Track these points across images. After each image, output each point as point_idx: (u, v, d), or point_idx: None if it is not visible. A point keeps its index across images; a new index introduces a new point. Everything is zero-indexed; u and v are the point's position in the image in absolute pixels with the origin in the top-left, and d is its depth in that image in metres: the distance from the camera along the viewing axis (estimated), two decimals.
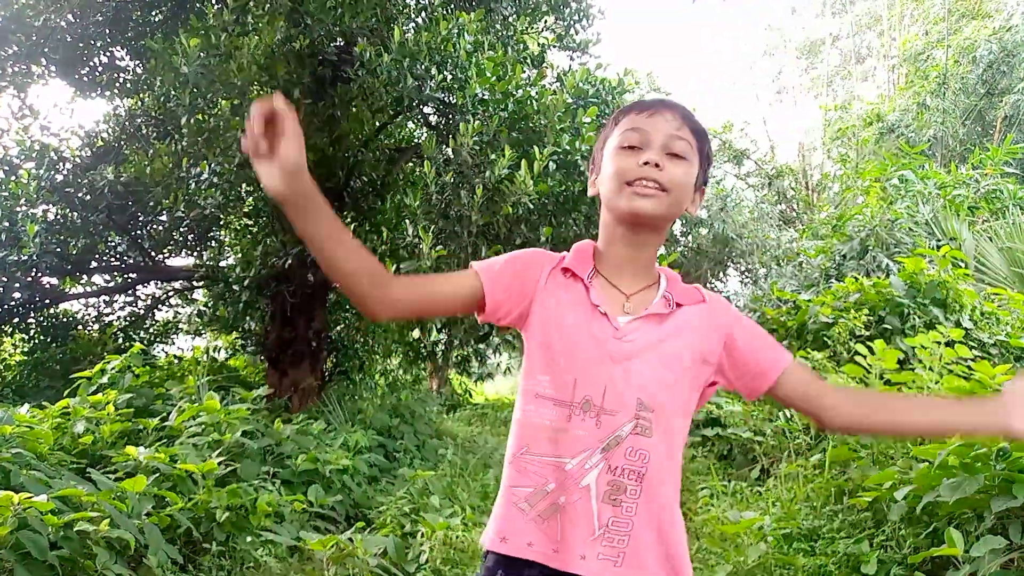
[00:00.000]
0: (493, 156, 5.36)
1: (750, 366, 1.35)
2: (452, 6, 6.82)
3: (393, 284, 1.27)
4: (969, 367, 4.07)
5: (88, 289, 8.61)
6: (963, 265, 6.15)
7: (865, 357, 4.30)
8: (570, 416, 1.27)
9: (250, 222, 7.34)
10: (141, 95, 7.56)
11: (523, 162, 5.21)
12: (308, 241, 1.18)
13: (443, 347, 10.35)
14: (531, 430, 1.30)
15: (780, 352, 1.36)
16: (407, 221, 5.38)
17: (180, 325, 9.68)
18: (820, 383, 1.37)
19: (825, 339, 5.45)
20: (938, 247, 6.43)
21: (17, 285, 7.15)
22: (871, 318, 5.46)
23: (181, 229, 8.44)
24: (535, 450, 1.29)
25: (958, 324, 5.23)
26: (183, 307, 9.81)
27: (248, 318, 7.28)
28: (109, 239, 8.08)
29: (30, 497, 2.81)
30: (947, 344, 4.24)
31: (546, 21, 7.74)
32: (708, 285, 10.83)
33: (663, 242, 1.43)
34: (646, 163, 1.30)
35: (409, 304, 1.30)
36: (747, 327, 1.38)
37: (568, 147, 5.64)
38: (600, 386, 1.27)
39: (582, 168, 5.78)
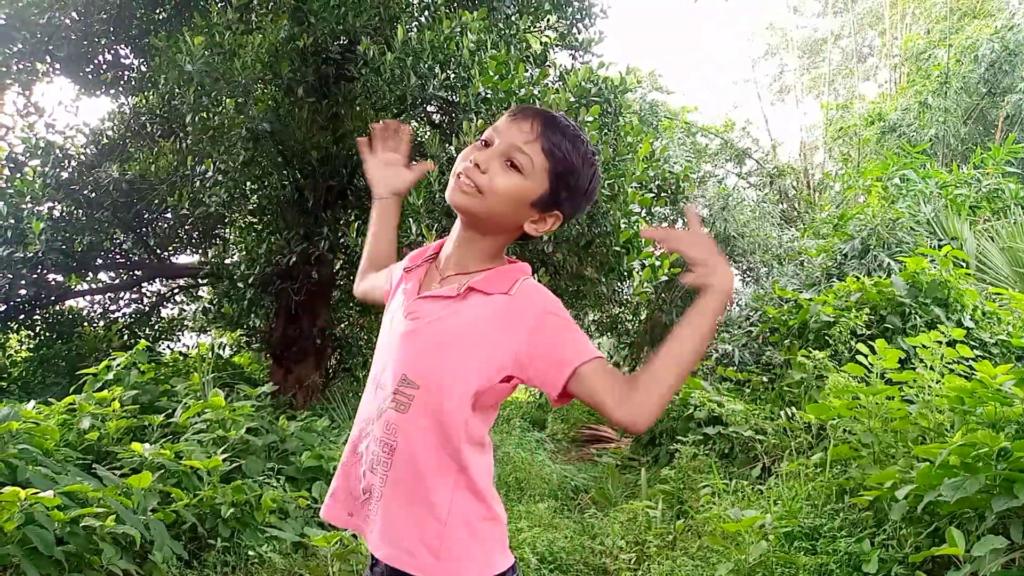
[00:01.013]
0: None
1: (538, 376, 1.27)
2: (455, 5, 6.83)
3: (361, 277, 1.72)
4: (970, 367, 4.08)
5: (94, 286, 8.64)
6: (964, 265, 6.16)
7: (866, 356, 4.32)
8: (369, 388, 1.41)
9: (255, 220, 7.36)
10: (146, 93, 7.58)
11: None
12: (372, 219, 1.76)
13: None
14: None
15: (561, 368, 1.24)
16: (410, 219, 5.39)
17: (185, 322, 9.71)
18: (611, 381, 1.23)
19: (826, 338, 5.46)
20: (939, 247, 6.44)
21: (23, 282, 7.18)
22: (872, 317, 5.47)
23: (186, 226, 8.48)
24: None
25: (959, 324, 5.25)
26: (188, 304, 9.85)
27: (253, 315, 7.30)
28: (114, 236, 8.12)
29: (36, 493, 2.84)
30: (948, 344, 4.25)
31: (549, 20, 7.74)
32: None
33: (496, 245, 1.39)
34: (472, 162, 1.32)
35: (362, 295, 1.71)
36: (546, 331, 1.27)
37: None
38: (383, 362, 1.38)
39: None
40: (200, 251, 9.04)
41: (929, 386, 3.91)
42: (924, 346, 4.23)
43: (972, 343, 4.94)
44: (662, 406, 1.24)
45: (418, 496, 1.28)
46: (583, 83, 6.33)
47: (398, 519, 1.29)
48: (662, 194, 6.71)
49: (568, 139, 1.32)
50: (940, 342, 4.21)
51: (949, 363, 4.18)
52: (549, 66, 7.49)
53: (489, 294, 1.31)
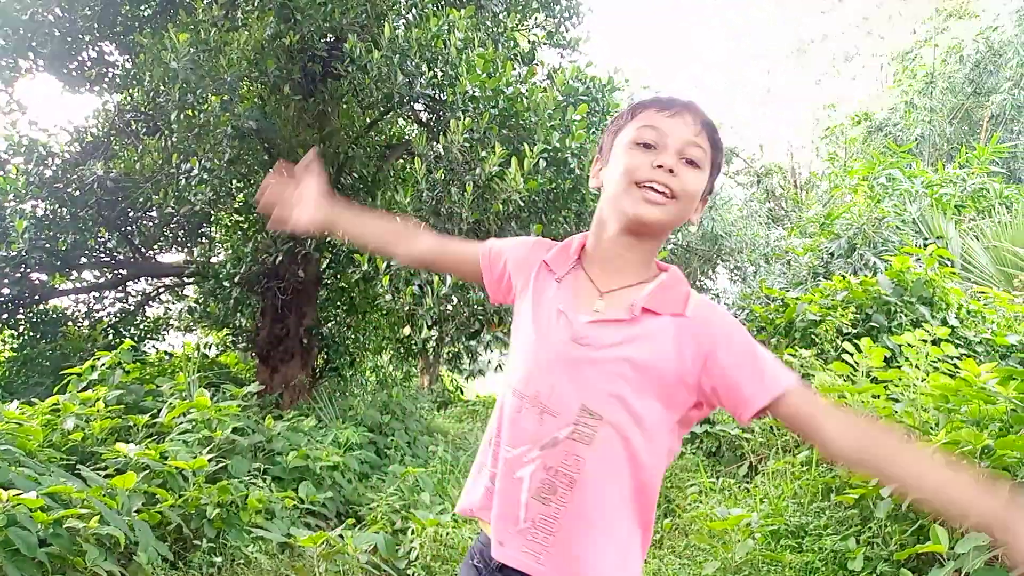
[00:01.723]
0: (484, 153, 5.37)
1: (732, 395, 1.23)
2: (442, 3, 6.81)
3: (413, 243, 1.57)
4: (955, 365, 4.11)
5: (78, 285, 8.56)
6: (949, 264, 6.19)
7: (852, 355, 4.34)
8: (521, 408, 1.28)
9: (240, 218, 7.32)
10: (130, 90, 7.52)
11: (513, 159, 5.22)
12: (352, 239, 1.62)
13: (434, 344, 10.34)
14: (498, 415, 1.34)
15: (764, 384, 1.21)
16: (398, 218, 5.37)
17: (170, 321, 9.65)
18: (814, 413, 1.19)
19: (813, 337, 5.48)
20: (925, 245, 6.48)
21: (6, 281, 7.10)
22: (858, 316, 5.50)
23: (171, 225, 8.42)
24: (493, 435, 1.34)
25: (944, 322, 5.28)
26: (173, 303, 9.79)
27: (239, 314, 7.27)
28: (99, 235, 8.05)
29: (19, 494, 2.81)
30: (933, 342, 4.27)
31: (536, 18, 7.74)
32: (697, 283, 10.87)
33: (657, 249, 1.36)
34: (660, 166, 1.25)
35: (425, 261, 1.57)
36: (735, 350, 1.24)
37: (558, 144, 5.65)
38: (548, 385, 1.26)
39: (572, 165, 5.80)
40: (185, 250, 8.98)
41: (914, 384, 3.93)
42: (909, 344, 4.25)
43: (957, 341, 4.97)
44: (858, 465, 1.19)
45: (600, 529, 1.23)
46: (571, 82, 6.34)
47: (576, 553, 1.23)
48: None
49: (713, 124, 1.32)
50: (925, 340, 4.23)
51: (934, 361, 4.20)
52: (537, 64, 7.49)
53: (661, 315, 1.26)
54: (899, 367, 4.17)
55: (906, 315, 5.36)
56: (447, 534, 3.83)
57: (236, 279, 6.62)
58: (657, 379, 1.23)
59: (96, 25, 7.46)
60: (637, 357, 1.23)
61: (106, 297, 9.05)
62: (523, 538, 1.24)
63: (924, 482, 1.12)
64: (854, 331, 5.32)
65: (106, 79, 7.89)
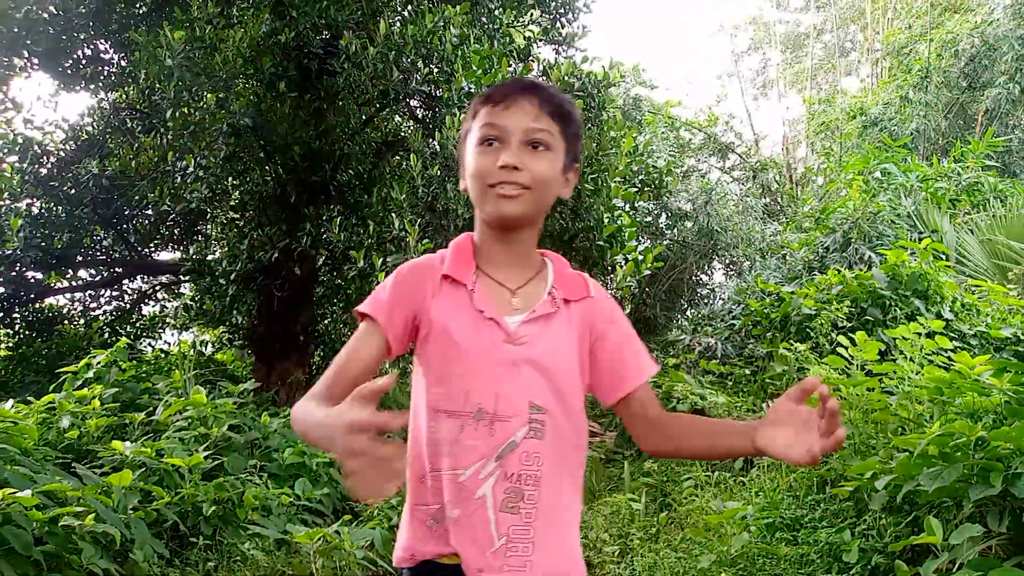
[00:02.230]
0: None
1: (616, 370, 1.32)
2: None
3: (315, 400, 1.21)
4: (949, 358, 4.12)
5: (73, 283, 8.56)
6: (944, 257, 6.22)
7: (847, 348, 4.35)
8: (462, 427, 1.23)
9: (236, 216, 7.31)
10: (125, 88, 7.52)
11: None
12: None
13: None
14: (431, 446, 1.25)
15: (641, 367, 1.34)
16: (394, 214, 5.37)
17: (166, 319, 9.64)
18: (657, 408, 1.35)
19: (808, 331, 5.50)
20: (920, 239, 6.49)
21: (1, 280, 7.10)
22: (853, 310, 5.51)
23: (167, 223, 8.42)
24: (436, 465, 1.24)
25: (939, 315, 5.29)
26: (169, 301, 9.77)
27: (235, 312, 7.26)
28: (94, 233, 8.04)
29: (14, 492, 2.81)
30: (928, 335, 4.29)
31: (532, 14, 7.74)
32: (693, 278, 10.88)
33: (537, 234, 1.38)
34: (503, 166, 1.24)
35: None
36: (623, 329, 1.35)
37: None
38: (492, 393, 1.23)
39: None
40: (181, 247, 8.97)
41: (909, 377, 3.94)
42: (904, 338, 4.27)
43: (951, 334, 4.98)
44: (660, 455, 1.45)
45: (564, 519, 1.28)
46: (566, 78, 6.33)
47: (553, 548, 1.25)
48: (645, 188, 6.73)
49: (557, 95, 1.32)
50: (920, 334, 4.24)
51: (928, 354, 4.21)
52: (532, 60, 7.49)
53: (574, 300, 1.32)
54: (894, 360, 4.19)
55: (901, 309, 5.38)
56: None
57: (232, 276, 6.61)
58: (579, 361, 1.31)
59: (91, 23, 7.45)
60: (567, 345, 1.30)
61: (102, 295, 9.04)
62: (503, 557, 1.21)
63: (699, 440, 1.30)
64: (849, 325, 5.33)
65: (101, 77, 7.87)
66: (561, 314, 1.30)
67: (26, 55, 7.50)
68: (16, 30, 7.16)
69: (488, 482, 1.21)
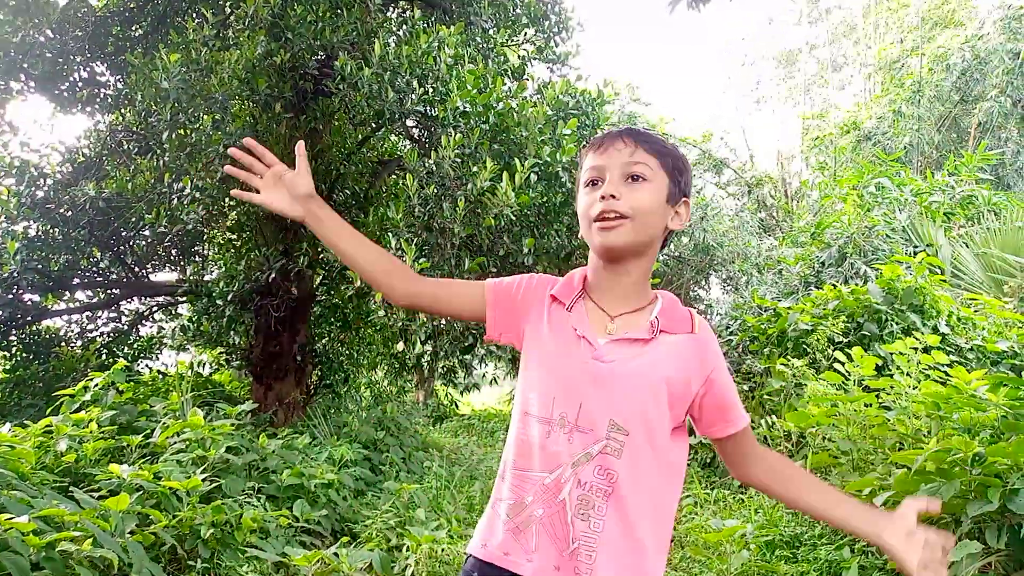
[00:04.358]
0: (475, 168, 5.40)
1: (719, 412, 1.39)
2: (432, 20, 6.86)
3: (414, 281, 1.50)
4: (946, 373, 4.13)
5: (71, 305, 8.54)
6: (939, 271, 6.24)
7: (843, 364, 4.36)
8: (549, 432, 1.33)
9: (233, 236, 7.32)
10: (122, 110, 7.55)
11: (505, 174, 5.25)
12: (331, 248, 1.52)
13: (428, 359, 10.34)
14: (519, 446, 1.37)
15: (742, 410, 1.42)
16: (390, 234, 5.38)
17: (164, 340, 9.62)
18: (756, 448, 1.44)
19: (804, 346, 5.51)
20: (915, 253, 6.52)
21: None
22: (849, 325, 5.53)
23: (164, 244, 8.42)
24: (520, 465, 1.36)
25: (935, 330, 5.31)
26: (167, 322, 9.75)
27: (232, 332, 7.25)
28: (91, 255, 8.04)
29: (11, 518, 2.79)
30: (924, 350, 4.30)
31: (526, 34, 7.79)
32: (690, 293, 10.90)
33: (651, 263, 1.45)
34: (602, 197, 1.34)
35: (424, 299, 1.51)
36: (724, 372, 1.41)
37: (549, 159, 5.68)
38: (575, 404, 1.32)
39: (563, 179, 5.83)
40: (178, 268, 8.97)
41: (906, 392, 3.95)
42: (900, 353, 4.28)
43: (948, 349, 5.00)
44: (763, 491, 1.49)
45: (637, 541, 1.30)
46: (561, 96, 6.38)
47: (619, 563, 1.29)
48: None
49: (654, 135, 1.42)
50: (916, 348, 4.25)
51: (925, 369, 4.22)
52: (527, 79, 7.54)
53: (675, 333, 1.37)
54: (890, 375, 4.20)
55: (897, 323, 5.39)
56: (442, 550, 3.82)
57: (229, 297, 6.61)
58: (673, 392, 1.34)
59: (87, 46, 7.49)
60: (658, 372, 1.33)
61: (99, 317, 9.03)
62: (575, 559, 1.28)
63: (832, 515, 1.37)
64: (845, 340, 5.34)
65: (98, 100, 7.90)
66: (658, 343, 1.35)
67: (23, 78, 7.53)
68: (13, 53, 7.19)
69: (566, 487, 1.30)
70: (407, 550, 3.90)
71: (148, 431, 4.62)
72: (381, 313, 5.42)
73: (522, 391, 1.41)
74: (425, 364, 10.70)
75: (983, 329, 5.57)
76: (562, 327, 1.39)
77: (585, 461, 1.30)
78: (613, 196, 1.34)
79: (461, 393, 13.46)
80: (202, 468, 4.14)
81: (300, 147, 1.54)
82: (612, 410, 1.31)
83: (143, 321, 9.48)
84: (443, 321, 6.07)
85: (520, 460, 1.36)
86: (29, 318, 7.94)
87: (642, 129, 1.42)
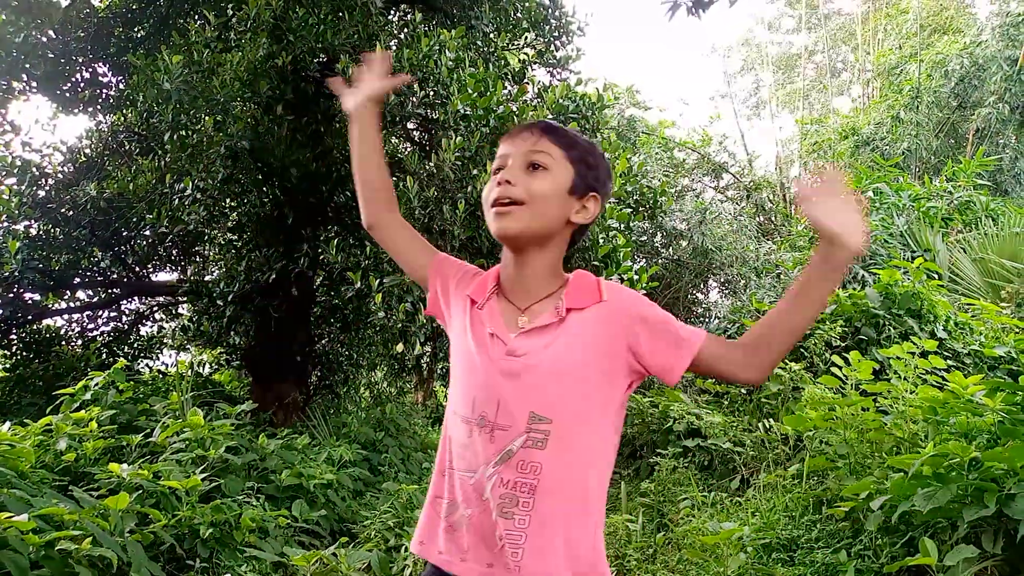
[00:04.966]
0: (475, 171, 5.42)
1: (659, 362, 1.34)
2: (433, 23, 6.89)
3: (391, 216, 1.59)
4: (943, 377, 4.15)
5: (71, 305, 8.56)
6: (937, 276, 6.26)
7: (841, 368, 4.38)
8: (471, 432, 1.33)
9: (234, 237, 7.34)
10: (124, 111, 7.56)
11: None
12: (351, 142, 1.61)
13: (428, 359, 10.36)
14: (448, 444, 1.38)
15: (683, 347, 1.34)
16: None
17: (164, 340, 9.63)
18: (728, 351, 1.35)
19: (802, 350, 5.53)
20: (912, 258, 6.55)
21: None
22: (847, 329, 5.55)
23: (165, 244, 8.44)
24: (451, 463, 1.36)
25: (932, 334, 5.33)
26: (167, 322, 9.77)
27: (232, 332, 7.27)
28: (92, 255, 8.05)
29: (11, 516, 2.81)
30: (921, 354, 4.32)
31: (527, 37, 7.82)
32: (689, 297, 10.92)
33: (557, 256, 1.42)
34: (499, 183, 1.35)
35: (385, 232, 1.58)
36: (653, 322, 1.35)
37: None
38: (494, 403, 1.31)
39: None
40: (179, 269, 8.99)
41: (903, 397, 3.97)
42: (898, 357, 4.30)
43: (945, 353, 5.02)
44: (779, 361, 1.42)
45: (568, 530, 1.29)
46: (561, 100, 6.40)
47: (548, 558, 1.27)
48: (640, 209, 6.78)
49: (564, 129, 1.42)
50: (913, 353, 4.27)
51: (922, 374, 4.24)
52: (527, 83, 7.56)
53: (583, 308, 1.35)
54: (888, 380, 4.22)
55: (894, 328, 5.41)
56: None
57: (230, 297, 6.63)
58: (594, 367, 1.32)
59: (89, 47, 7.51)
60: (572, 353, 1.31)
61: (99, 316, 9.04)
62: (502, 557, 1.27)
63: (798, 299, 1.31)
64: (843, 344, 5.37)
65: (99, 100, 7.92)
66: (568, 325, 1.33)
67: (25, 78, 7.55)
68: (15, 54, 7.21)
69: (488, 485, 1.29)
70: (405, 551, 3.91)
71: (148, 430, 4.63)
72: (381, 315, 5.43)
73: (450, 387, 1.43)
74: (424, 365, 10.70)
75: (980, 334, 5.60)
76: (477, 327, 1.39)
77: (507, 459, 1.28)
78: (509, 182, 1.33)
79: None
80: (201, 468, 4.15)
81: (387, 56, 1.66)
82: (531, 402, 1.29)
83: (143, 321, 9.49)
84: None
85: (450, 458, 1.37)
86: (30, 317, 7.96)
87: (555, 122, 1.43)
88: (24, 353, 8.24)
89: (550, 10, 7.88)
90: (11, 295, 7.10)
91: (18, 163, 7.27)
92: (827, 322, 5.52)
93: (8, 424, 4.33)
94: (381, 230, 1.59)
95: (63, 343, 8.65)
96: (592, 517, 1.33)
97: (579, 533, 1.30)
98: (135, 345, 9.39)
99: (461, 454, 1.34)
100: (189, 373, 7.92)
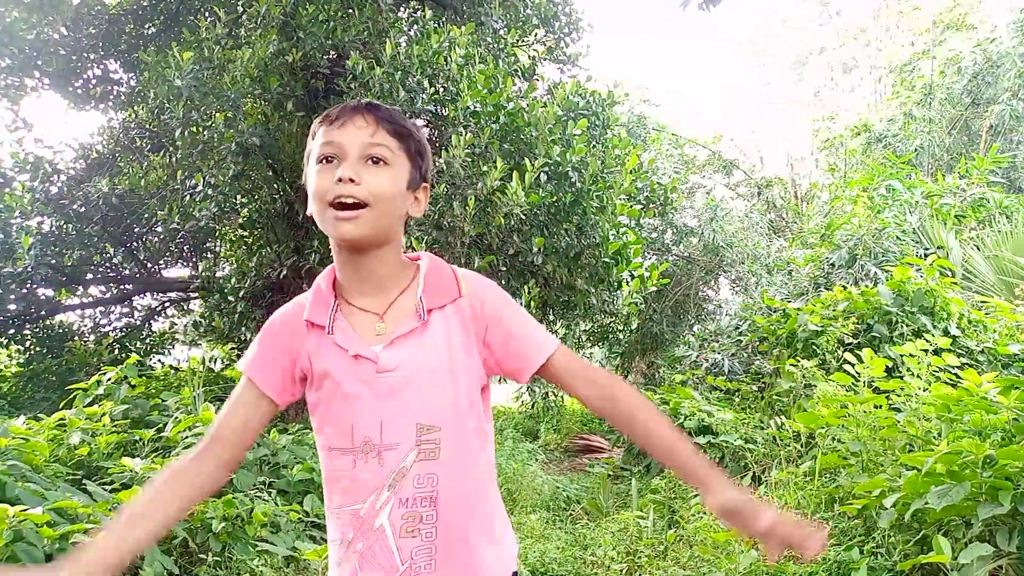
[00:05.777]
0: (485, 168, 5.42)
1: (511, 361, 1.32)
2: (443, 20, 6.89)
3: (214, 469, 1.29)
4: (956, 375, 4.13)
5: (84, 300, 8.62)
6: (950, 274, 6.22)
7: (853, 365, 4.36)
8: (354, 462, 1.25)
9: (245, 233, 7.37)
10: (135, 107, 7.60)
11: (515, 173, 5.27)
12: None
13: None
14: (331, 484, 1.30)
15: (536, 350, 1.32)
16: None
17: (176, 336, 9.68)
18: (574, 372, 1.34)
19: (814, 347, 5.50)
20: (925, 256, 6.50)
21: (12, 297, 7.15)
22: (859, 326, 5.52)
23: (176, 240, 8.48)
24: (337, 503, 1.29)
25: (945, 332, 5.29)
26: (179, 318, 9.81)
27: (244, 328, 7.28)
28: (104, 251, 8.11)
29: (25, 509, 2.83)
30: (935, 352, 4.29)
31: (536, 34, 7.82)
32: (699, 294, 10.89)
33: (399, 247, 1.35)
34: (340, 179, 1.23)
35: (236, 461, 1.32)
36: (509, 319, 1.33)
37: (559, 158, 5.70)
38: (375, 424, 1.24)
39: (573, 179, 5.84)
40: (191, 265, 9.03)
41: (916, 394, 3.94)
42: (911, 355, 4.28)
43: (958, 351, 4.99)
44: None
45: (475, 531, 1.28)
46: (571, 96, 6.39)
47: (461, 563, 1.27)
48: (650, 205, 6.77)
49: (395, 113, 1.32)
50: (926, 350, 4.25)
51: (935, 371, 4.22)
52: (537, 79, 7.56)
53: (444, 306, 1.30)
54: (901, 377, 4.19)
55: (907, 325, 5.38)
56: None
57: (241, 293, 6.65)
58: (461, 364, 1.29)
59: (101, 44, 7.55)
60: (440, 355, 1.27)
61: (112, 312, 9.10)
62: (415, 573, 1.24)
63: (668, 464, 1.32)
64: (855, 341, 5.34)
65: (111, 97, 7.97)
66: (432, 325, 1.28)
67: (37, 75, 7.60)
68: (27, 51, 7.26)
69: (384, 511, 1.24)
70: None
71: (160, 425, 4.65)
72: None
73: (318, 427, 1.31)
74: None
75: (994, 332, 5.56)
76: (332, 354, 1.27)
77: (402, 477, 1.23)
78: (352, 180, 1.23)
79: None
80: None
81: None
82: (416, 414, 1.24)
83: (155, 316, 9.55)
84: None
85: (336, 497, 1.29)
86: (43, 312, 8.01)
87: (382, 104, 1.32)
88: (37, 348, 8.30)
89: (560, 7, 7.87)
90: (24, 291, 7.15)
91: (31, 159, 7.31)
92: (839, 319, 5.49)
93: (22, 419, 4.36)
94: (233, 466, 1.33)
95: (76, 338, 8.70)
96: (491, 498, 1.34)
97: (485, 520, 1.31)
98: (147, 340, 9.45)
99: (346, 488, 1.26)
100: (201, 368, 7.94)
